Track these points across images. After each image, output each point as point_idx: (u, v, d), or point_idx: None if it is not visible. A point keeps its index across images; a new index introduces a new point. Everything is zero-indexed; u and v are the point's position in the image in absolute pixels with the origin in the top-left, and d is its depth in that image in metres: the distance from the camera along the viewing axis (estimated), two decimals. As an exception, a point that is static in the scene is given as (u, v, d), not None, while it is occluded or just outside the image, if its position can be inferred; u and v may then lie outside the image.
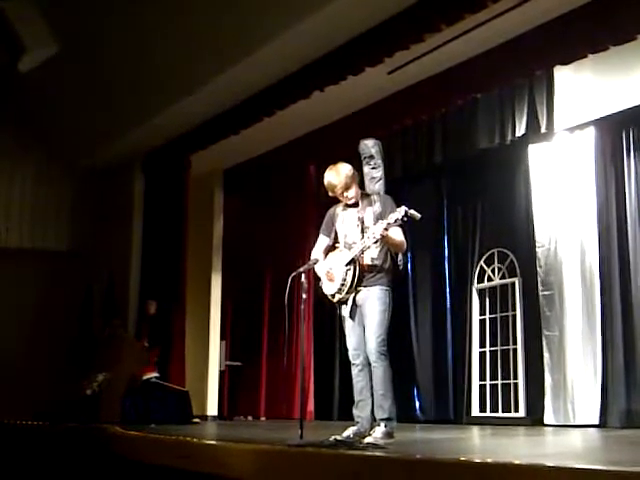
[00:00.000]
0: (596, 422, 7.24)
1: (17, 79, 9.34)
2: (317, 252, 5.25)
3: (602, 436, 6.31)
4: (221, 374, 10.66)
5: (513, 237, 8.57)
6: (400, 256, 5.20)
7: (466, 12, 6.39)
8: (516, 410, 8.12)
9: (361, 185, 5.33)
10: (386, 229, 4.76)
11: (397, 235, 4.98)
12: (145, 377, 8.92)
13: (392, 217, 4.73)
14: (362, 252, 4.93)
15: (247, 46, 7.56)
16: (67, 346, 9.86)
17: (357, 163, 5.51)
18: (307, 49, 7.46)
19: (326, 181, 5.11)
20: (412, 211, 4.77)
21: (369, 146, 5.50)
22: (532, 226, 8.18)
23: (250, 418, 10.61)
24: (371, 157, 5.47)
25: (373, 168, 5.47)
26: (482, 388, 8.55)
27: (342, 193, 5.09)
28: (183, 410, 8.72)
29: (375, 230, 4.81)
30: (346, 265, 4.95)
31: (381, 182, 5.43)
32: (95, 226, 10.80)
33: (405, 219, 4.74)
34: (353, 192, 5.10)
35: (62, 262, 10.69)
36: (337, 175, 5.05)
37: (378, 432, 4.79)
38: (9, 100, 10.17)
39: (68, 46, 8.91)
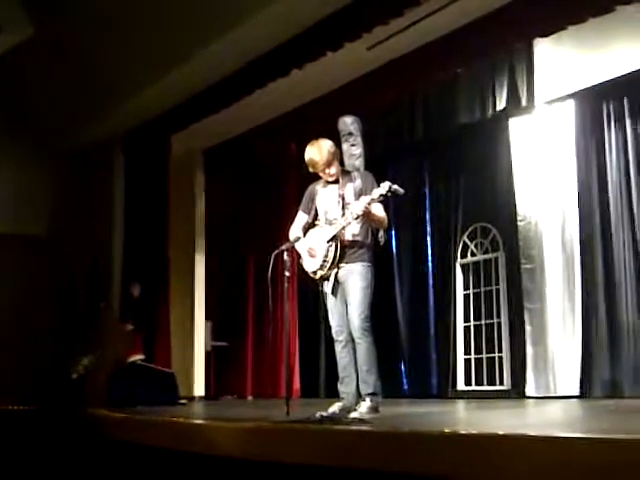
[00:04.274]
0: (579, 392, 7.31)
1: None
2: (297, 229, 5.23)
3: (584, 406, 6.36)
4: (207, 354, 10.68)
5: (495, 211, 8.58)
6: (381, 232, 5.21)
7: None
8: (501, 383, 8.17)
9: (341, 163, 5.31)
10: (369, 205, 4.77)
11: (379, 211, 4.97)
12: (131, 359, 8.92)
13: (376, 193, 4.73)
14: (344, 228, 4.92)
15: (225, 24, 7.50)
16: (51, 331, 9.83)
17: (338, 140, 5.50)
18: (285, 26, 7.41)
19: (307, 157, 5.06)
20: (395, 186, 4.75)
21: (348, 123, 5.47)
22: (514, 200, 8.20)
23: (242, 397, 10.63)
24: (350, 134, 5.44)
25: (352, 145, 5.43)
26: (467, 362, 8.60)
27: (324, 170, 5.05)
28: (169, 391, 8.71)
29: (357, 206, 4.80)
30: (328, 241, 4.94)
31: (361, 159, 5.40)
32: (76, 210, 10.73)
33: (389, 194, 4.74)
34: (335, 169, 5.06)
35: (43, 247, 10.62)
36: (319, 151, 5.01)
37: (363, 407, 4.81)
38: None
39: (44, 28, 8.81)
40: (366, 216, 4.85)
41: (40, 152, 10.75)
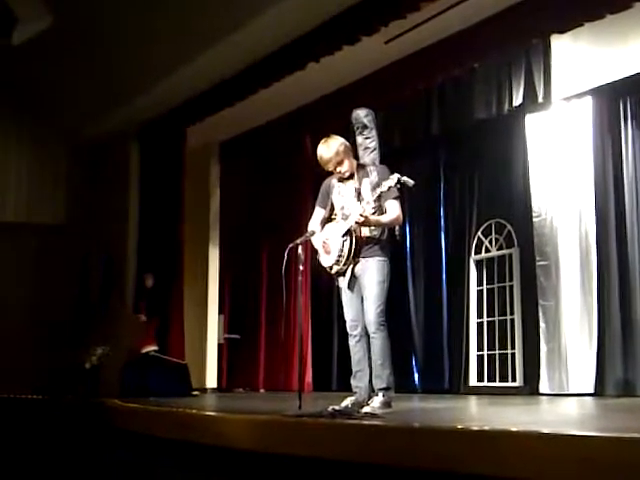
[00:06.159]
0: (592, 391, 7.28)
1: (11, 52, 9.26)
2: (314, 224, 5.22)
3: (598, 404, 6.33)
4: (220, 347, 10.71)
5: (510, 208, 8.55)
6: (397, 227, 5.19)
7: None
8: (513, 379, 8.16)
9: (355, 156, 5.29)
10: (377, 200, 4.81)
11: (391, 210, 4.95)
12: (144, 350, 8.95)
13: (385, 185, 4.73)
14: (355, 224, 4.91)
15: (241, 17, 7.52)
16: (65, 320, 9.88)
17: (353, 134, 5.49)
18: (302, 19, 7.42)
19: (318, 155, 5.04)
20: (405, 178, 4.75)
21: (362, 116, 5.42)
22: (529, 196, 8.17)
23: (254, 390, 10.65)
24: (364, 127, 5.40)
25: (367, 138, 5.39)
26: (480, 358, 8.58)
27: (335, 168, 5.04)
28: (182, 383, 8.75)
29: (369, 200, 4.82)
30: (342, 236, 4.94)
31: (375, 152, 5.36)
32: (91, 199, 10.79)
33: (398, 186, 4.74)
34: (346, 166, 5.04)
35: (58, 236, 10.68)
36: (328, 150, 4.98)
37: (376, 402, 4.81)
38: (3, 73, 10.09)
39: (62, 18, 8.83)
40: (367, 221, 4.85)
41: (56, 141, 10.81)
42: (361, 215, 4.77)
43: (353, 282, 5.01)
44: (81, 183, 10.92)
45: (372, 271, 4.93)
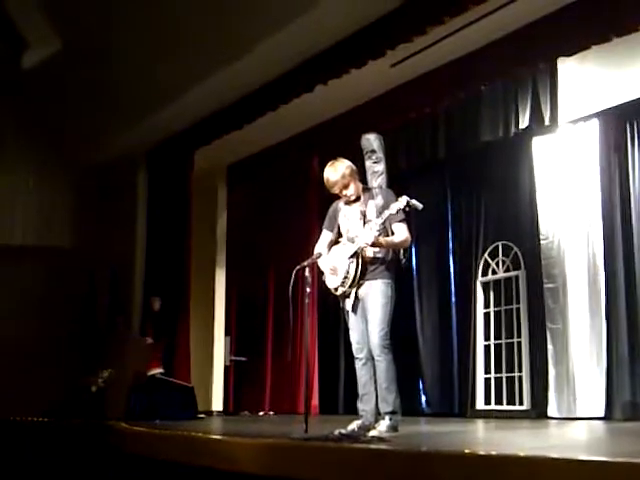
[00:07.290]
0: (600, 414, 7.23)
1: (21, 75, 9.33)
2: (321, 246, 5.25)
3: (606, 428, 6.29)
4: (226, 369, 10.69)
5: (517, 230, 8.55)
6: (402, 252, 5.21)
7: (469, 4, 6.40)
8: (520, 403, 8.12)
9: (363, 180, 5.32)
10: (384, 223, 4.82)
11: (399, 233, 4.97)
12: (150, 373, 8.93)
13: (394, 207, 4.77)
14: (366, 245, 4.92)
15: (250, 40, 7.57)
16: (71, 343, 9.87)
17: (360, 157, 5.51)
18: (310, 43, 7.48)
19: (325, 178, 5.11)
20: (414, 201, 4.79)
21: (371, 140, 5.48)
22: (536, 219, 8.17)
23: (260, 413, 10.62)
24: (373, 151, 5.45)
25: (375, 162, 5.44)
26: (487, 381, 8.54)
27: (340, 191, 5.09)
28: (188, 405, 8.72)
29: (376, 222, 4.83)
30: (349, 258, 4.95)
31: (383, 176, 5.41)
32: (99, 222, 10.81)
33: (407, 209, 4.77)
34: (352, 189, 5.09)
35: (66, 259, 10.69)
36: (335, 173, 5.04)
37: (383, 425, 4.80)
38: (13, 96, 10.16)
39: (71, 42, 8.91)
40: (379, 243, 4.87)
41: (64, 165, 10.85)
42: (382, 223, 4.80)
43: (357, 304, 5.02)
44: (89, 206, 10.95)
45: (376, 293, 4.94)
